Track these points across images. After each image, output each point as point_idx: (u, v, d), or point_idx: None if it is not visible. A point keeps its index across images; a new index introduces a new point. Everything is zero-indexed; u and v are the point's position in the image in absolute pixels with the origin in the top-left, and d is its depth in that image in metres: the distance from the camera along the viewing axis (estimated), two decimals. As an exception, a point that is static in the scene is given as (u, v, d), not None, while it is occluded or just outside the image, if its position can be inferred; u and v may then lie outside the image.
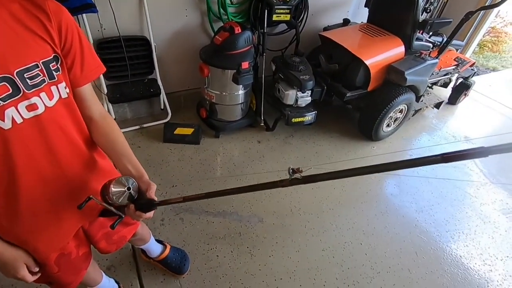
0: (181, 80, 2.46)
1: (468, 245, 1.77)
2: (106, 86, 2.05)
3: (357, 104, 2.44)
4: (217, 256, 1.53)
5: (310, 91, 2.21)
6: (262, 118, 2.41)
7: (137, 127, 2.28)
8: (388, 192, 2.06)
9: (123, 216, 0.73)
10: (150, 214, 0.74)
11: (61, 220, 0.77)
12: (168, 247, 1.43)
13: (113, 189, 0.68)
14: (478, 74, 4.09)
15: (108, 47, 1.92)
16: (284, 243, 1.63)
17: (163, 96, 2.29)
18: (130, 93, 2.08)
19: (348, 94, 2.23)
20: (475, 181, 2.24)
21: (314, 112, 2.28)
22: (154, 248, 1.36)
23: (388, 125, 2.43)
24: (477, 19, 3.39)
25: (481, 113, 3.11)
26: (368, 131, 2.39)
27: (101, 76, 1.98)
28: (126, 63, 2.01)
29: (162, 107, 2.36)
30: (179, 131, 2.19)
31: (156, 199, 0.73)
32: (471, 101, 3.26)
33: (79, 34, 0.67)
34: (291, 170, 0.68)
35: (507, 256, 1.73)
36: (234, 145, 2.27)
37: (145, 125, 2.30)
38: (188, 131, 2.19)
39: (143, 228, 1.26)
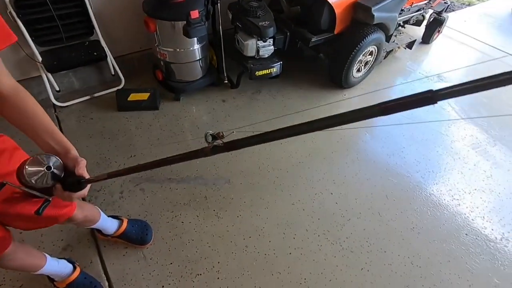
0: (130, 41, 2.21)
1: (438, 182, 1.77)
2: (40, 53, 1.80)
3: (325, 50, 2.27)
4: (182, 222, 1.47)
5: (271, 39, 2.02)
6: (225, 75, 2.23)
7: (87, 97, 2.07)
8: (359, 139, 2.00)
9: (50, 199, 0.65)
10: (83, 192, 0.66)
11: None
12: (125, 220, 1.34)
13: (28, 169, 0.58)
14: (453, 10, 3.92)
15: (29, 5, 1.64)
16: (252, 202, 1.58)
17: (110, 60, 2.05)
18: (70, 58, 1.84)
19: (313, 39, 2.06)
20: (446, 119, 2.21)
21: (279, 63, 2.12)
22: (108, 225, 1.27)
23: (358, 70, 2.31)
24: None
25: (456, 50, 3.01)
26: (338, 78, 2.26)
27: (31, 42, 1.73)
28: (57, 23, 1.74)
29: (113, 73, 2.14)
30: (133, 97, 2.00)
31: (86, 175, 0.64)
32: (445, 38, 3.14)
33: None
34: (210, 137, 0.54)
35: (475, 189, 1.75)
36: (197, 106, 2.12)
37: (96, 95, 2.09)
38: (144, 96, 2.01)
39: (88, 208, 1.15)
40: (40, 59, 1.79)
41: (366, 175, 1.77)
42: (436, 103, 0.35)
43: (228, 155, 1.79)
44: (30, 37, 1.71)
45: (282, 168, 1.76)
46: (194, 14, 1.76)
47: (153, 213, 1.49)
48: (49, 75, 1.89)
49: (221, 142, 0.55)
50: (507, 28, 3.48)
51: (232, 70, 2.24)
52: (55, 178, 0.61)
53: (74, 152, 0.65)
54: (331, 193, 1.66)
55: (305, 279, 1.32)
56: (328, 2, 1.92)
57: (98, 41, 1.95)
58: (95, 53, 1.92)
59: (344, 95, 2.33)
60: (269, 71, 2.10)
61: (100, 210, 1.22)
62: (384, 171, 1.80)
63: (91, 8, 1.83)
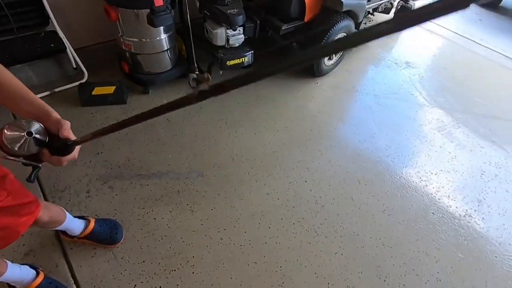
0: (92, 31, 2.08)
1: (407, 165, 1.83)
2: (-11, 45, 1.65)
3: (296, 38, 2.26)
4: (154, 219, 1.43)
5: (241, 27, 1.97)
6: (196, 66, 2.16)
7: (47, 92, 1.94)
8: (332, 126, 2.02)
9: (39, 165, 0.63)
10: (73, 155, 0.64)
11: None
12: (93, 220, 1.28)
13: (7, 133, 0.55)
14: (420, -3, 4.02)
15: (-29, -8, 1.49)
16: (226, 194, 1.56)
17: (71, 52, 1.92)
18: (23, 51, 1.70)
19: (283, 27, 2.03)
20: (414, 104, 2.28)
21: (250, 52, 2.08)
22: (74, 226, 1.21)
23: (329, 58, 2.32)
24: None
25: (423, 37, 3.11)
26: (309, 66, 2.26)
27: (-23, 33, 1.58)
28: (6, 12, 1.60)
29: (75, 66, 2.01)
30: (98, 91, 1.90)
31: (72, 137, 0.62)
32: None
33: None
34: (193, 81, 0.48)
35: (441, 170, 1.83)
36: (167, 99, 2.05)
37: (57, 90, 1.96)
38: (109, 89, 1.91)
39: (53, 209, 1.08)
40: (-11, 52, 1.64)
41: (339, 161, 1.80)
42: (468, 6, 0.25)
43: (201, 149, 1.75)
44: (-25, 28, 1.56)
45: (256, 159, 1.75)
46: (158, 1, 1.68)
47: (123, 211, 1.43)
48: (2, 69, 1.74)
49: (207, 85, 0.50)
50: (469, 15, 3.63)
51: (203, 61, 2.17)
52: (39, 143, 0.59)
53: (55, 115, 0.63)
54: (305, 181, 1.67)
55: (281, 267, 1.33)
56: (297, -11, 1.90)
57: (55, 32, 1.82)
58: (52, 45, 1.79)
59: (317, 83, 2.34)
60: (241, 61, 2.06)
61: (66, 211, 1.15)
62: (356, 157, 1.84)
63: (45, -3, 1.70)
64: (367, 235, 1.48)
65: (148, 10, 1.71)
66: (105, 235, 1.28)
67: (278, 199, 1.57)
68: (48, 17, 1.76)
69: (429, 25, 3.30)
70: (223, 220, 1.46)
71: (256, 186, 1.61)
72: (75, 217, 1.23)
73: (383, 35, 0.33)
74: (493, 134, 2.10)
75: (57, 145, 0.61)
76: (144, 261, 1.29)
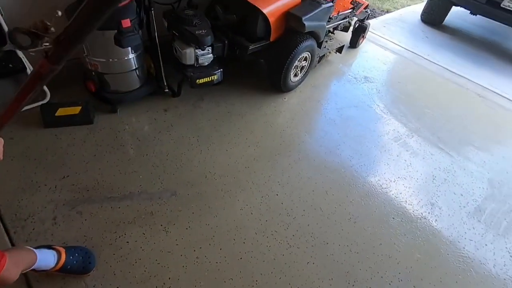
0: (54, 50, 2.01)
1: (369, 174, 1.99)
2: None
3: (263, 56, 2.36)
4: (127, 242, 1.40)
5: (210, 47, 2.03)
6: (166, 84, 2.17)
7: (4, 114, 1.83)
8: (300, 140, 2.13)
9: None
10: None
11: None
12: (63, 251, 1.22)
13: None
14: (374, 16, 4.39)
15: None
16: (200, 212, 1.58)
17: (31, 71, 1.84)
18: (-23, 72, 1.61)
19: (251, 47, 2.13)
20: (373, 116, 2.47)
21: (219, 70, 2.14)
22: (45, 262, 1.12)
23: (295, 75, 2.45)
24: (368, -40, 3.50)
25: (378, 53, 3.39)
26: (277, 83, 2.37)
27: None
28: (-42, 32, 1.51)
29: (36, 86, 1.92)
30: (62, 111, 1.84)
31: None
32: (369, 42, 3.50)
33: None
34: (23, 37, 0.32)
35: (398, 177, 2.00)
36: (136, 118, 2.03)
37: (16, 111, 1.86)
38: (74, 110, 1.86)
39: (24, 259, 1.01)
40: None
41: (308, 173, 1.90)
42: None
43: (173, 167, 1.76)
44: None
45: (228, 175, 1.79)
46: (126, 23, 1.70)
47: (94, 237, 1.40)
48: (-48, 91, 1.63)
49: (48, 40, 0.34)
50: (417, 32, 4.02)
51: (173, 78, 2.20)
52: None
53: None
54: (277, 194, 1.74)
55: (256, 281, 1.37)
56: (262, 12, 2.01)
57: (14, 51, 1.74)
58: (10, 65, 1.71)
59: (284, 98, 2.45)
60: (210, 79, 2.11)
61: (33, 249, 1.10)
62: (323, 169, 1.95)
63: (2, 15, 1.63)
64: (336, 243, 1.58)
65: (115, 31, 1.72)
66: (78, 266, 1.22)
67: (251, 213, 1.63)
68: (5, 36, 1.68)
69: (382, 41, 3.61)
70: (198, 238, 1.48)
71: (230, 202, 1.65)
72: (42, 247, 1.18)
73: None
74: (441, 141, 2.35)
75: None
76: (118, 287, 1.26)
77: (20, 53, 1.75)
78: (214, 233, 1.51)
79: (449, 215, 1.84)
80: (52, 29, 0.31)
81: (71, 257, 1.22)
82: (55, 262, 1.17)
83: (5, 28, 1.66)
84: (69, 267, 1.21)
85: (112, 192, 1.58)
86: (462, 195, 1.97)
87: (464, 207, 1.90)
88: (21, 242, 1.32)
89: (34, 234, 1.36)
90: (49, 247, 1.21)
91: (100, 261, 1.32)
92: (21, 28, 0.30)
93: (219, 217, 1.58)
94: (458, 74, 3.28)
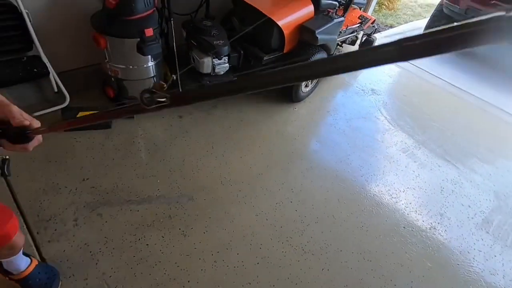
0: (75, 56, 2.07)
1: (379, 184, 2.03)
2: (-34, 69, 1.59)
3: (276, 67, 2.43)
4: (147, 245, 1.43)
5: (226, 57, 2.10)
6: (181, 91, 2.23)
7: (25, 117, 1.88)
8: (312, 149, 2.18)
9: (7, 157, 0.66)
10: (38, 139, 0.62)
11: None
12: (34, 263, 1.17)
13: None
14: (378, 31, 4.51)
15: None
16: (217, 217, 1.61)
17: (53, 76, 1.90)
18: (4, 75, 1.66)
19: (265, 58, 2.20)
20: (381, 128, 2.54)
21: (234, 80, 2.20)
22: (19, 262, 1.10)
23: (306, 86, 2.52)
24: (375, -22, 3.63)
25: (384, 67, 3.47)
26: (288, 93, 2.44)
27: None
28: (-12, 37, 1.57)
29: (56, 90, 1.97)
30: (82, 115, 1.88)
31: (27, 123, 0.59)
32: (374, 56, 3.59)
33: None
34: (145, 99, 0.40)
35: (407, 188, 2.05)
36: (153, 123, 2.08)
37: (36, 114, 1.90)
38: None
39: (21, 235, 1.01)
40: (-34, 76, 1.58)
41: (320, 181, 1.94)
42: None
43: (190, 173, 1.80)
44: (-46, 52, 1.51)
45: (243, 181, 1.83)
46: (149, 32, 1.76)
47: (114, 239, 1.42)
48: (-22, 94, 1.67)
49: (166, 96, 0.42)
50: (421, 48, 4.13)
51: (188, 85, 2.25)
52: None
53: (1, 99, 0.60)
54: (291, 201, 1.78)
55: (273, 286, 1.40)
56: (278, 24, 2.09)
57: (39, 57, 1.80)
58: (34, 70, 1.77)
59: (295, 108, 2.51)
60: (225, 87, 2.16)
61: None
62: (334, 177, 2.00)
63: (30, 22, 1.69)
64: (349, 250, 1.61)
65: (138, 39, 1.78)
66: (39, 285, 1.16)
67: (266, 219, 1.66)
68: (32, 42, 1.74)
69: (388, 55, 3.71)
70: (215, 242, 1.50)
71: (245, 208, 1.69)
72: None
73: (381, 63, 0.31)
74: (447, 154, 2.41)
75: (14, 134, 0.60)
76: (139, 289, 1.28)
77: (44, 58, 1.81)
78: (231, 238, 1.54)
79: (457, 226, 1.88)
80: (165, 87, 0.41)
81: (38, 272, 1.17)
82: (25, 267, 1.14)
83: (33, 34, 1.72)
84: (30, 281, 1.15)
85: (130, 196, 1.61)
86: (469, 206, 2.02)
87: (472, 218, 1.94)
88: (44, 243, 1.34)
89: (57, 235, 1.39)
90: (26, 254, 1.18)
91: (121, 262, 1.35)
92: (146, 89, 0.40)
93: (235, 222, 1.61)
94: (462, 89, 3.37)
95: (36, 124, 0.60)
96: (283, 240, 1.58)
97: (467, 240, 1.80)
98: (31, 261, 1.17)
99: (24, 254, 1.15)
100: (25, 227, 1.37)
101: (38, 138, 0.62)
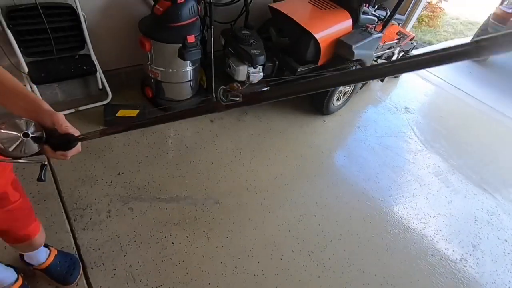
0: (120, 56, 2.21)
1: (407, 207, 1.96)
2: (27, 64, 1.74)
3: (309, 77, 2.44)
4: (172, 243, 1.48)
5: (261, 66, 2.14)
6: (215, 96, 2.30)
7: (71, 110, 2.02)
8: (339, 164, 2.15)
9: (45, 162, 0.67)
10: (77, 148, 0.65)
11: None
12: (54, 253, 1.23)
13: (3, 133, 0.54)
14: (416, 48, 4.38)
15: (22, 17, 1.60)
16: (241, 223, 1.63)
17: (100, 74, 2.03)
18: (58, 71, 1.81)
19: (299, 69, 2.21)
20: (413, 148, 2.45)
21: (267, 89, 2.23)
22: (39, 255, 1.16)
23: (338, 99, 2.50)
24: (416, -6, 3.55)
25: (419, 84, 3.37)
26: (319, 105, 2.43)
27: (19, 53, 1.68)
28: (49, 35, 1.71)
29: (101, 87, 2.11)
30: (122, 113, 1.99)
31: (71, 129, 0.62)
32: (411, 73, 3.50)
33: None
34: (224, 93, 0.45)
35: (438, 213, 1.96)
36: (185, 125, 2.15)
37: (81, 108, 2.05)
38: (133, 112, 2.01)
39: (42, 234, 1.07)
40: (26, 69, 1.74)
41: (345, 198, 1.91)
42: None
43: (217, 176, 1.84)
44: (19, 47, 1.66)
45: (268, 190, 1.84)
46: (191, 38, 1.84)
47: (142, 233, 1.48)
48: (34, 86, 1.83)
49: (240, 94, 0.48)
50: (460, 67, 3.96)
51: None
52: (38, 142, 0.58)
53: (47, 106, 0.61)
54: (314, 215, 1.76)
55: (292, 299, 1.39)
56: (315, 37, 2.10)
57: (89, 56, 1.93)
58: (84, 67, 1.90)
59: (324, 121, 2.50)
60: (257, 96, 2.20)
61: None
62: (361, 195, 1.95)
63: (85, 23, 1.83)
64: (372, 272, 1.56)
65: (180, 45, 1.87)
66: (60, 273, 1.23)
67: (289, 231, 1.65)
68: (85, 42, 1.88)
69: (424, 73, 3.59)
70: (237, 248, 1.52)
71: (269, 217, 1.70)
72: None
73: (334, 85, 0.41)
74: (484, 182, 2.27)
75: (57, 141, 0.61)
76: (161, 285, 1.32)
77: (94, 57, 1.94)
78: (253, 245, 1.55)
79: (492, 260, 1.76)
80: (240, 88, 0.45)
81: (58, 262, 1.23)
82: (45, 258, 1.20)
83: (87, 35, 1.85)
84: (52, 270, 1.21)
85: (160, 193, 1.68)
86: (506, 241, 1.89)
87: (508, 253, 1.81)
88: (80, 230, 1.43)
89: (91, 224, 1.47)
90: (46, 245, 1.24)
91: (147, 257, 1.40)
92: (223, 88, 0.45)
93: (258, 230, 1.62)
94: (503, 113, 3.18)
95: (76, 132, 0.63)
96: (305, 253, 1.57)
97: (501, 277, 1.68)
98: (50, 251, 1.23)
99: (44, 245, 1.20)
100: (63, 213, 1.48)
101: (77, 148, 0.64)
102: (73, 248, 1.37)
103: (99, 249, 1.39)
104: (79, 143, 0.64)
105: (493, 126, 3.01)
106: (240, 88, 0.45)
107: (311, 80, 0.42)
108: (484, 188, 2.22)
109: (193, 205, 1.66)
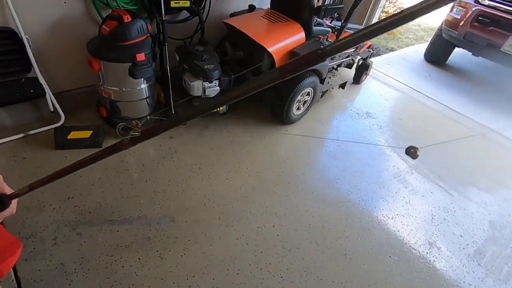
0: (73, 77, 2.17)
1: (366, 210, 1.99)
2: (-34, 90, 1.69)
3: (267, 91, 2.48)
4: (123, 266, 1.43)
5: (217, 80, 2.16)
6: (174, 112, 2.29)
7: (20, 135, 1.96)
8: (299, 172, 2.17)
9: None
10: (11, 210, 0.65)
11: None
12: None
13: None
14: (379, 54, 4.57)
15: (-43, 42, 1.56)
16: (197, 240, 1.60)
17: (50, 96, 1.99)
18: (1, 96, 1.75)
19: (256, 81, 2.25)
20: (373, 152, 2.52)
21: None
22: None
23: (298, 108, 2.55)
24: (371, 4, 3.73)
25: (381, 90, 3.50)
26: (280, 115, 2.47)
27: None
28: (-11, 60, 1.67)
29: (52, 110, 2.06)
30: (74, 135, 1.94)
31: (6, 189, 0.63)
32: (372, 79, 3.63)
33: None
34: (123, 130, 0.58)
35: (397, 214, 2.00)
36: (143, 144, 2.10)
37: (31, 132, 1.98)
38: (86, 134, 1.96)
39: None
40: (-35, 96, 1.68)
41: (305, 206, 1.92)
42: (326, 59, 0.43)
43: (174, 193, 1.81)
44: (-45, 74, 1.61)
45: (227, 204, 1.83)
46: (140, 57, 1.84)
47: (90, 259, 1.43)
48: (-24, 112, 1.76)
49: (138, 130, 0.58)
50: (420, 71, 4.15)
51: (181, 107, 2.31)
52: None
53: None
54: (273, 226, 1.76)
55: (247, 314, 1.36)
56: (268, 50, 2.15)
57: (36, 78, 1.89)
58: (31, 91, 1.86)
59: (286, 130, 2.53)
60: (216, 110, 2.22)
61: None
62: (321, 202, 1.97)
63: (30, 46, 1.79)
64: (330, 279, 1.57)
65: (130, 63, 1.86)
66: None
67: (247, 244, 1.64)
68: (31, 65, 1.84)
69: (386, 78, 3.74)
70: (192, 266, 1.49)
71: (226, 232, 1.68)
72: None
73: (267, 85, 0.51)
74: (441, 180, 2.36)
75: None
76: (108, 313, 1.27)
77: (41, 80, 1.90)
78: (209, 262, 1.52)
79: (448, 256, 1.81)
80: (139, 126, 0.55)
81: None
82: None
83: (32, 58, 1.82)
84: None
85: (112, 216, 1.63)
86: (461, 236, 1.95)
87: (463, 248, 1.87)
88: (21, 261, 1.36)
89: (34, 254, 1.40)
90: None
91: (94, 284, 1.34)
92: (125, 125, 0.55)
93: (214, 246, 1.60)
94: (460, 113, 3.34)
95: (9, 190, 0.61)
96: (262, 266, 1.55)
97: (457, 272, 1.72)
98: None
99: None
100: (4, 244, 1.40)
101: (12, 210, 0.62)
102: (12, 281, 1.29)
103: (41, 280, 1.32)
104: (14, 205, 0.63)
105: (450, 125, 3.14)
106: (139, 124, 0.54)
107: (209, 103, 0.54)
108: (440, 186, 2.29)
109: (147, 225, 1.62)
